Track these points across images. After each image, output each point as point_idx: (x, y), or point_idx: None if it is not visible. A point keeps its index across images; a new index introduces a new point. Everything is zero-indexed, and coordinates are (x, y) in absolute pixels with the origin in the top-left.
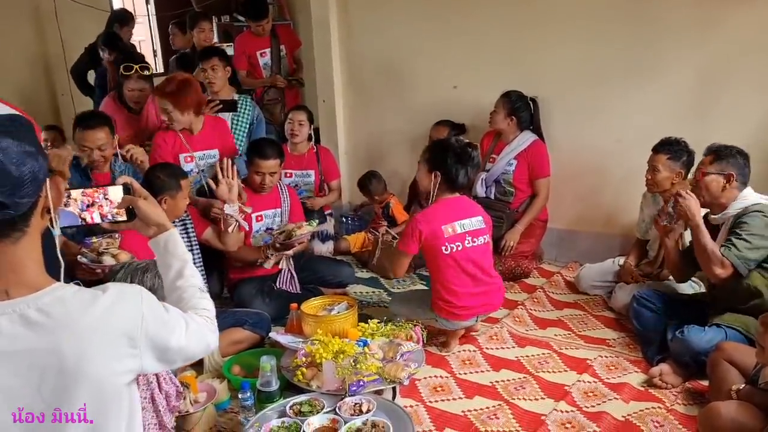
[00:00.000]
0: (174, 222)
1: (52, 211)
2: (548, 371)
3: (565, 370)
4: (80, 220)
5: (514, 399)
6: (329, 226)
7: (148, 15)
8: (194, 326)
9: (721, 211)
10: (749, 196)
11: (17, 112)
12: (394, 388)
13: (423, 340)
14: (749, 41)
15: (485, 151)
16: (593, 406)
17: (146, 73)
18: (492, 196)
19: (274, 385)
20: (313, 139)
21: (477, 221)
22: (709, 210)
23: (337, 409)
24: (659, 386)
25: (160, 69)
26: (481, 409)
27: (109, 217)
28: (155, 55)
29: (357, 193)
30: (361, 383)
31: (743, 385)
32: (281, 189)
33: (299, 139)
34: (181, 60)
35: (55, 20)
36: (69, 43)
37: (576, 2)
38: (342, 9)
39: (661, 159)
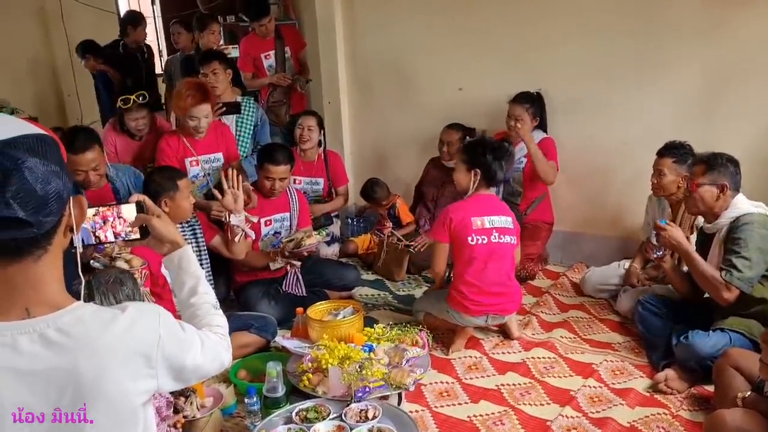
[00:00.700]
0: (183, 227)
1: (75, 229)
2: (554, 376)
3: (571, 375)
4: (94, 239)
5: (519, 404)
6: (335, 228)
7: (154, 16)
8: (209, 344)
9: (715, 219)
10: (741, 205)
11: (43, 131)
12: (399, 394)
13: (429, 345)
14: (758, 42)
15: None
16: (598, 412)
17: (142, 101)
18: (500, 196)
19: (281, 391)
20: (323, 145)
21: (506, 221)
22: (703, 219)
23: (343, 416)
24: (665, 392)
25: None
26: (487, 414)
27: (123, 235)
28: (161, 56)
29: None
30: (367, 389)
31: (749, 393)
32: (290, 193)
33: (309, 144)
34: (187, 63)
35: (61, 21)
36: (75, 43)
37: (578, 2)
38: (347, 8)
39: (667, 162)
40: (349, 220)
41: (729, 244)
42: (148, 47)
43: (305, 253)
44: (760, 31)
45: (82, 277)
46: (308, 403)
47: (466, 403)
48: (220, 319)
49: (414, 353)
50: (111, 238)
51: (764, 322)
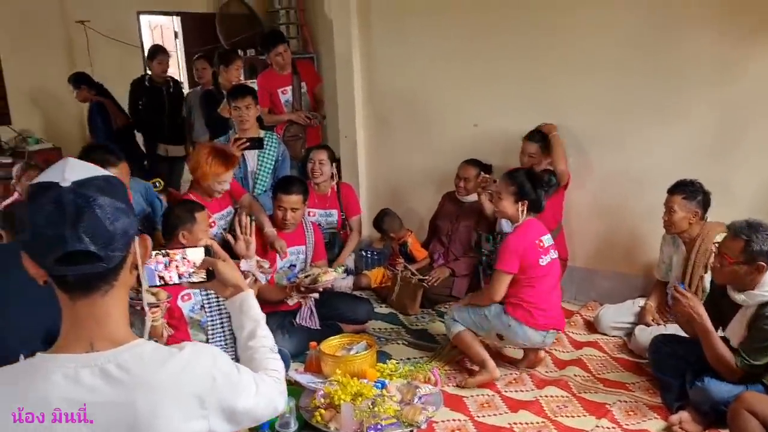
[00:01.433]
0: None
1: (140, 266)
2: (567, 415)
3: (584, 415)
4: (158, 279)
5: None
6: (350, 261)
7: (177, 50)
8: (264, 388)
9: (743, 290)
10: None
11: (110, 174)
12: (411, 431)
13: (441, 382)
14: None
15: None
16: None
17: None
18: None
19: (293, 426)
20: (336, 178)
21: (549, 238)
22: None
23: None
24: None
25: None
26: None
27: (187, 276)
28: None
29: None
30: (379, 426)
31: None
32: (306, 226)
33: (321, 178)
34: (208, 98)
35: (87, 54)
36: (100, 76)
37: (592, 39)
38: (365, 43)
39: (677, 200)
40: (363, 253)
41: (755, 330)
42: (174, 80)
43: (321, 289)
44: None
45: (148, 312)
46: None
47: None
48: (277, 363)
49: (426, 390)
50: (175, 279)
51: None
